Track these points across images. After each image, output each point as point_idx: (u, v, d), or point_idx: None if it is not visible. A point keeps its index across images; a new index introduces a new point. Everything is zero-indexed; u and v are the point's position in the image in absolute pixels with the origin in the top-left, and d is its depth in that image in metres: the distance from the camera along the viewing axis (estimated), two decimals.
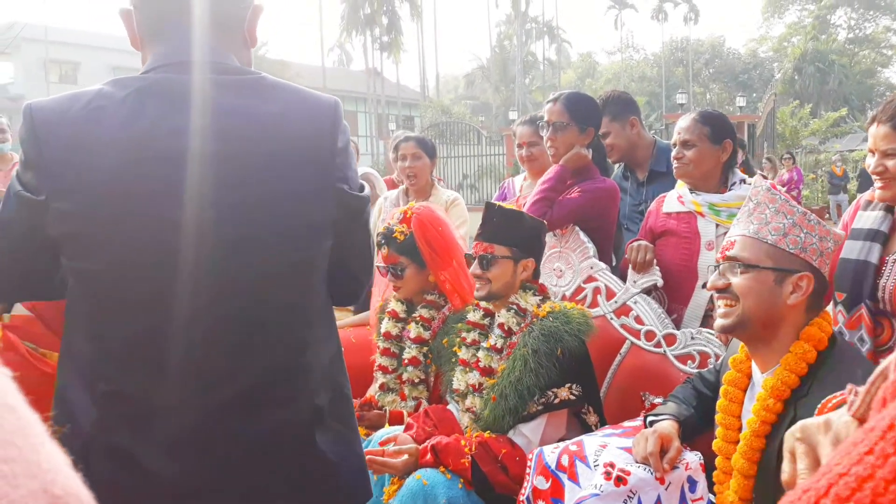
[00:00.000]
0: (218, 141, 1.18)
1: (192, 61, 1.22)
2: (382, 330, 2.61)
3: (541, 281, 2.46)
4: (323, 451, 1.29)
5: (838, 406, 0.98)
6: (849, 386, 0.76)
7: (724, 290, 1.65)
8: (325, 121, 1.27)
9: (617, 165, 3.28)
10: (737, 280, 1.63)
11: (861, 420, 0.69)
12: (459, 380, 2.25)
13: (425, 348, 2.52)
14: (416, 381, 2.51)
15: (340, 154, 1.27)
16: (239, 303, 1.21)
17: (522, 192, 3.26)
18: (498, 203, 2.29)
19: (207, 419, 1.21)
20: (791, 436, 0.78)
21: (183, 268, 1.16)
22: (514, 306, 2.21)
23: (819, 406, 1.04)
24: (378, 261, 2.63)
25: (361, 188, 1.34)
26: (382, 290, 2.78)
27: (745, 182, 2.53)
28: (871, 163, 1.90)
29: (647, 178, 3.12)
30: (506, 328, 2.20)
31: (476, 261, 2.24)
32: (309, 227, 1.26)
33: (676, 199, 2.57)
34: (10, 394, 0.37)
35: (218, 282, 1.19)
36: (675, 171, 2.54)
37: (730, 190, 2.48)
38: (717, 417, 1.73)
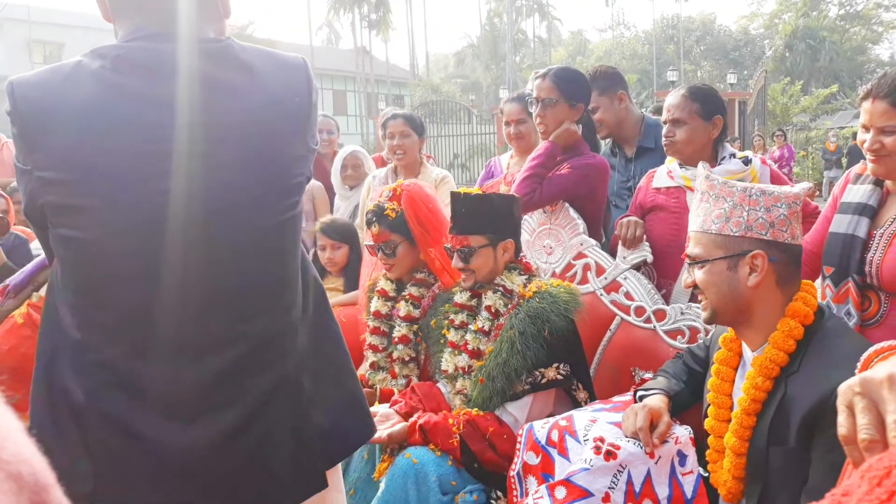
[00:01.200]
0: (198, 108, 1.19)
1: (168, 31, 1.22)
2: (372, 309, 2.60)
3: (530, 258, 2.45)
4: (311, 401, 1.33)
5: (882, 361, 0.95)
6: None
7: (696, 287, 1.67)
8: (300, 80, 1.30)
9: (605, 142, 3.25)
10: (697, 276, 1.65)
11: None
12: (448, 361, 2.24)
13: (415, 326, 2.51)
14: (407, 359, 2.51)
15: (313, 111, 1.32)
16: (228, 269, 1.23)
17: (510, 169, 3.23)
18: (462, 191, 2.25)
19: (200, 386, 1.22)
20: (849, 389, 0.74)
21: (170, 236, 1.17)
22: (500, 288, 2.20)
23: (862, 361, 1.01)
24: (367, 239, 2.61)
25: (315, 141, 1.38)
26: (371, 268, 2.77)
27: (734, 156, 2.51)
28: (865, 139, 1.85)
29: (636, 154, 3.10)
30: (493, 310, 2.19)
31: (455, 255, 2.22)
32: (287, 188, 1.29)
33: (666, 174, 2.55)
34: None
35: (206, 249, 1.21)
36: (666, 149, 2.52)
37: (719, 164, 2.46)
38: (709, 396, 1.73)
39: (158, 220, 1.16)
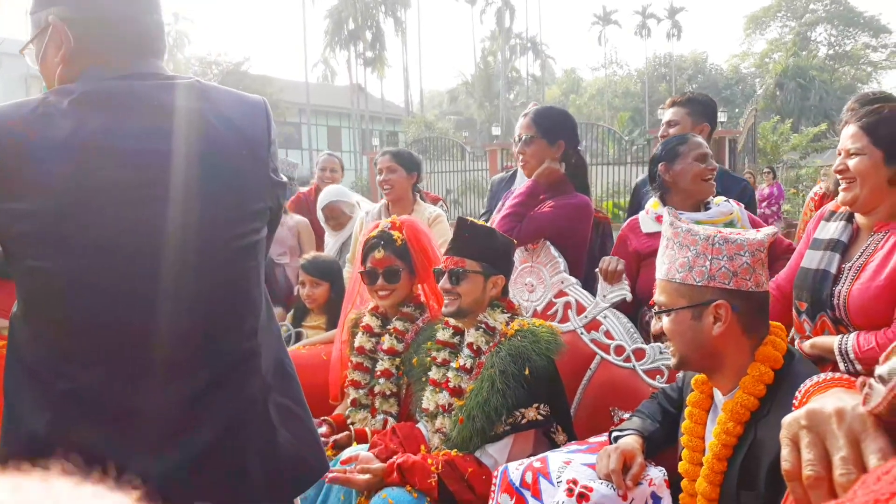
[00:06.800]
0: (168, 140, 1.24)
1: (132, 72, 1.29)
2: (356, 344, 2.58)
3: (512, 296, 2.45)
4: (275, 425, 1.37)
5: (819, 392, 0.92)
6: (861, 378, 0.72)
7: (664, 334, 1.66)
8: (261, 117, 1.39)
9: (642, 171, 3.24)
10: (664, 324, 1.64)
11: (877, 416, 0.65)
12: (429, 399, 2.22)
13: (398, 360, 2.50)
14: (388, 393, 2.48)
15: (273, 145, 1.41)
16: (198, 295, 1.27)
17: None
18: (470, 219, 2.29)
19: (171, 409, 1.24)
20: (795, 423, 0.71)
21: (142, 265, 1.20)
22: (483, 325, 2.20)
23: (801, 393, 0.97)
24: (361, 266, 2.58)
25: (279, 174, 1.45)
26: (351, 302, 2.76)
27: (728, 200, 2.54)
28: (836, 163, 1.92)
29: None
30: (474, 347, 2.19)
31: (446, 275, 2.22)
32: (252, 214, 1.35)
33: (654, 219, 2.56)
34: None
35: (176, 276, 1.24)
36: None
37: (707, 209, 2.50)
38: (683, 439, 1.71)
39: (129, 246, 1.20)
